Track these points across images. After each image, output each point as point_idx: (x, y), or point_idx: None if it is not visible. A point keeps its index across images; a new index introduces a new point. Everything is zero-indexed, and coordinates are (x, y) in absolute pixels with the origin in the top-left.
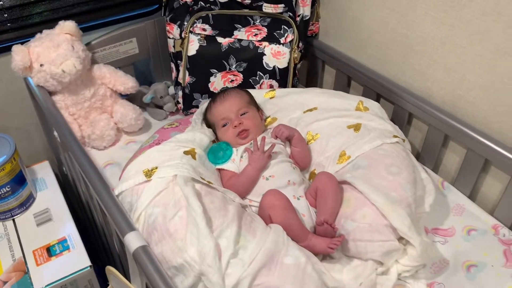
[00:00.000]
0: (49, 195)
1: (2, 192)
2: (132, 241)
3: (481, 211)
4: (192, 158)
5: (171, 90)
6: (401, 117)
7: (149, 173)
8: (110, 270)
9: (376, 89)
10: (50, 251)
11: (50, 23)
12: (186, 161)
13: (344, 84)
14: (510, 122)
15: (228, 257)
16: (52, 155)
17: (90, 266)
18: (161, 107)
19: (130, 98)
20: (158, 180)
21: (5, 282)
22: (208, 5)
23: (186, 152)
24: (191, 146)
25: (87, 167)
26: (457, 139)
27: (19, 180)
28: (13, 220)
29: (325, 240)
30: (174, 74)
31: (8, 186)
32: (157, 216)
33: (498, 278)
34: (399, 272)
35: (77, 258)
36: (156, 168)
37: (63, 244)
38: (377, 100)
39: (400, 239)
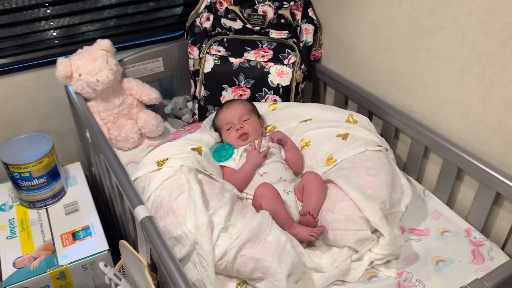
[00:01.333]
0: (78, 190)
1: (39, 182)
2: (141, 212)
3: (456, 216)
4: (198, 154)
5: (190, 104)
6: (389, 131)
7: (160, 163)
8: (123, 243)
9: (368, 106)
10: (75, 236)
11: (90, 41)
12: (193, 155)
13: (342, 103)
14: (478, 134)
15: (219, 231)
16: (83, 157)
17: (108, 250)
18: (179, 118)
19: (154, 109)
20: (167, 168)
21: (35, 258)
22: (224, 30)
23: (193, 149)
24: (198, 145)
25: (112, 160)
26: (435, 150)
27: (54, 174)
28: (46, 209)
29: (307, 229)
30: (192, 90)
31: (44, 178)
32: (164, 197)
33: (463, 272)
34: (372, 260)
35: (97, 243)
36: (167, 159)
37: (87, 231)
38: (369, 117)
39: (374, 232)
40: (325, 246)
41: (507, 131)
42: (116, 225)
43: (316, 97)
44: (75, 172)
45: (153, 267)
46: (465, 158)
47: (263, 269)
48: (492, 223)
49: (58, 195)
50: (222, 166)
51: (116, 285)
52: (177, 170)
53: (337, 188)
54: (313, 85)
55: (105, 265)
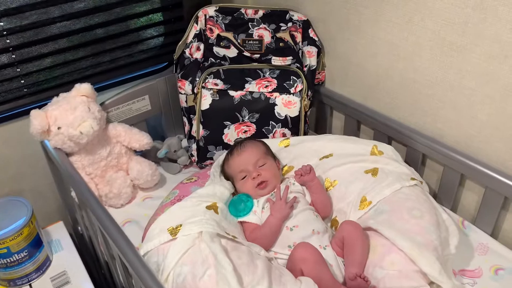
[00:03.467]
0: (65, 256)
1: (20, 257)
2: None
3: (505, 248)
4: (215, 212)
5: (184, 143)
6: (415, 158)
7: (174, 231)
8: None
9: (387, 132)
10: None
11: (66, 86)
12: (210, 216)
13: (354, 128)
14: None
15: None
16: (66, 215)
17: None
18: (175, 161)
19: (144, 153)
20: (183, 238)
21: None
22: (218, 60)
23: (208, 207)
24: (213, 201)
25: (109, 225)
26: (474, 178)
27: (36, 244)
28: (30, 285)
29: None
30: (187, 128)
31: (26, 251)
32: (186, 275)
33: None
34: None
35: None
36: (181, 225)
37: None
38: (389, 143)
39: (431, 283)
40: None
41: None
42: None
43: (321, 123)
44: (59, 234)
45: None
46: (511, 185)
47: None
48: None
49: (42, 267)
50: (241, 222)
51: None
52: (196, 238)
53: (381, 237)
54: (317, 110)
55: None
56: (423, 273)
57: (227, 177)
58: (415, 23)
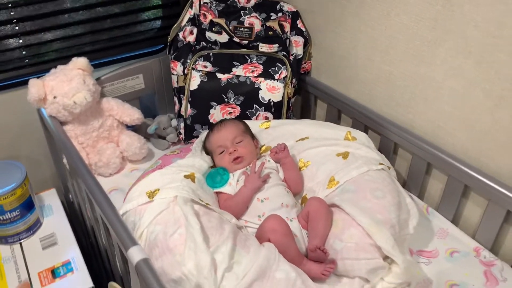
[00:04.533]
0: (55, 220)
1: (12, 216)
2: (135, 255)
3: (463, 234)
4: (192, 181)
5: (174, 122)
6: (387, 147)
7: (151, 194)
8: (113, 286)
9: (364, 121)
10: (54, 273)
11: (64, 60)
12: (186, 184)
13: (335, 117)
14: (486, 150)
15: (223, 270)
16: (59, 183)
17: (93, 287)
18: (164, 138)
19: (135, 129)
20: (160, 200)
21: None
22: (210, 45)
23: (186, 176)
24: (191, 171)
25: (95, 189)
26: (438, 166)
27: (28, 205)
28: (20, 243)
29: (319, 266)
30: (177, 107)
31: (18, 211)
32: (158, 233)
33: None
34: None
35: (80, 280)
36: (158, 189)
37: (67, 267)
38: (365, 131)
39: (385, 258)
40: (334, 276)
41: None
42: (100, 259)
43: (306, 111)
44: (51, 200)
45: None
46: (472, 175)
47: None
48: (502, 241)
49: (33, 228)
50: (217, 193)
51: None
52: (171, 202)
53: (344, 213)
54: (302, 99)
55: None
56: (378, 247)
57: (207, 152)
58: (392, 17)
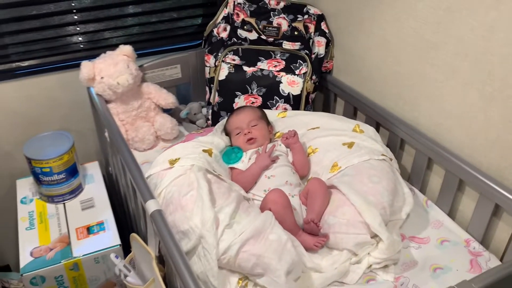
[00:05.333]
0: (94, 188)
1: (58, 178)
2: (151, 206)
3: (457, 226)
4: (209, 155)
5: (204, 110)
6: (395, 142)
7: (172, 162)
8: (134, 236)
9: (375, 118)
10: (89, 230)
11: (113, 47)
12: (203, 156)
13: (351, 113)
14: (479, 147)
15: (224, 227)
16: (101, 157)
17: (120, 245)
18: (194, 122)
19: (170, 113)
20: (178, 167)
21: (51, 249)
22: (240, 41)
23: (204, 150)
24: (209, 147)
25: (128, 158)
26: (438, 162)
27: (72, 171)
28: (64, 204)
29: (312, 238)
30: (207, 96)
31: (64, 174)
32: (174, 193)
33: (459, 280)
34: (370, 263)
35: (110, 238)
36: (179, 158)
37: (101, 226)
38: (377, 128)
39: (374, 237)
40: (326, 248)
41: (506, 145)
42: (129, 222)
43: (326, 108)
44: (93, 171)
45: (161, 260)
46: (466, 169)
47: (264, 265)
48: (492, 235)
49: (75, 191)
50: (231, 168)
51: (125, 276)
52: (188, 169)
53: (340, 193)
54: (324, 96)
55: (116, 257)
56: (367, 225)
57: (227, 133)
58: (402, 21)
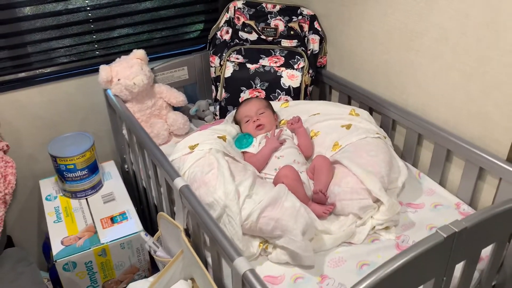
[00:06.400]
0: (113, 184)
1: (81, 174)
2: (179, 183)
3: (447, 193)
4: (223, 141)
5: (212, 108)
6: (387, 124)
7: (192, 147)
8: (161, 215)
9: (368, 103)
10: (113, 220)
11: (126, 52)
12: (219, 141)
13: (345, 102)
14: (462, 120)
15: (244, 197)
16: (117, 156)
17: (143, 230)
18: (202, 119)
19: (180, 111)
20: (198, 151)
21: (79, 238)
22: (242, 42)
23: (219, 137)
24: (223, 134)
25: (151, 144)
26: (427, 136)
27: (93, 168)
28: (86, 199)
29: (321, 207)
30: (213, 94)
31: (86, 170)
32: (197, 173)
33: None
34: (374, 225)
35: (133, 225)
36: (198, 144)
37: (123, 216)
38: (370, 112)
39: (376, 202)
40: (333, 215)
41: (485, 116)
42: (147, 214)
43: (323, 99)
44: (110, 169)
45: (187, 233)
46: (452, 140)
47: (282, 227)
48: (478, 197)
49: (96, 187)
50: (243, 152)
51: (155, 251)
52: (207, 153)
53: (343, 167)
54: (320, 89)
55: (146, 235)
56: (368, 191)
57: (236, 122)
58: (388, 15)
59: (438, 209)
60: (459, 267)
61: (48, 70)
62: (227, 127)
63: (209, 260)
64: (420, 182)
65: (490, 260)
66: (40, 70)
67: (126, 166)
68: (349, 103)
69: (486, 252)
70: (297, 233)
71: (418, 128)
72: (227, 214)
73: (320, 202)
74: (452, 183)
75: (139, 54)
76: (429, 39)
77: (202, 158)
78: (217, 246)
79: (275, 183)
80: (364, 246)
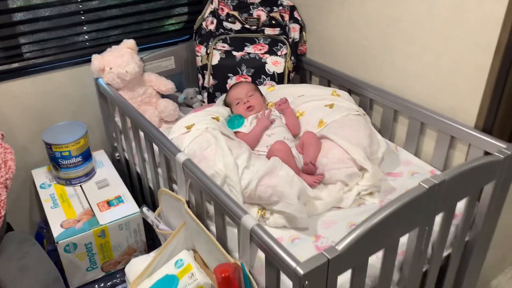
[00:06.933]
0: (106, 171)
1: (76, 161)
2: (181, 157)
3: (423, 162)
4: (217, 121)
5: (200, 96)
6: (365, 103)
7: (189, 127)
8: (163, 190)
9: (347, 86)
10: (109, 204)
11: (116, 43)
12: (213, 121)
13: (325, 86)
14: (434, 94)
15: (243, 168)
16: (108, 146)
17: (139, 212)
18: (191, 106)
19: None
20: (195, 130)
21: (78, 221)
22: (226, 31)
23: (213, 118)
24: (216, 115)
25: (148, 125)
26: (403, 112)
27: (87, 155)
28: (80, 185)
29: (311, 177)
30: (200, 82)
31: (80, 157)
32: (196, 149)
33: None
34: (359, 191)
35: (129, 207)
36: (194, 124)
37: (119, 199)
38: (349, 94)
39: (360, 170)
40: (322, 184)
41: (454, 89)
42: (141, 199)
43: None
44: (101, 158)
45: (188, 206)
46: (426, 113)
47: (278, 193)
48: (451, 164)
49: (90, 174)
50: (235, 132)
51: (157, 225)
52: (203, 131)
53: (329, 140)
54: (300, 76)
55: (147, 210)
56: (353, 160)
57: (227, 105)
58: (366, 3)
59: (415, 177)
60: (438, 222)
61: (41, 60)
62: (219, 109)
63: (212, 228)
64: (397, 155)
65: (464, 215)
66: (32, 61)
67: (117, 154)
68: (329, 86)
69: (460, 210)
70: (293, 197)
71: (394, 105)
72: (228, 184)
73: (310, 172)
74: (426, 153)
75: (129, 43)
76: (405, 24)
77: (199, 136)
78: (222, 208)
79: (269, 157)
80: (351, 210)
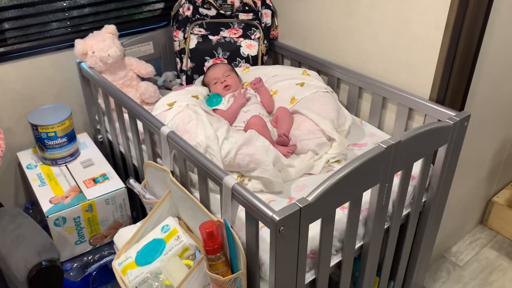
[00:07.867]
0: (90, 151)
1: (61, 142)
2: (165, 130)
3: (385, 134)
4: (197, 99)
5: (178, 80)
6: (333, 82)
7: (171, 104)
8: (148, 163)
9: (316, 66)
10: (95, 181)
11: (96, 29)
12: (193, 99)
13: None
14: (394, 71)
15: (222, 139)
16: (90, 128)
17: (125, 187)
18: (170, 89)
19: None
20: (176, 107)
21: (66, 197)
22: (202, 17)
23: (192, 96)
24: (196, 93)
25: (132, 103)
26: (366, 88)
27: (71, 136)
28: (66, 165)
29: (285, 148)
30: (179, 66)
31: (65, 138)
32: (178, 123)
33: None
34: (328, 159)
35: (115, 184)
36: (175, 101)
37: (104, 177)
38: (318, 74)
39: (329, 140)
40: (295, 154)
41: (412, 65)
42: (125, 177)
43: None
44: (84, 140)
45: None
46: (387, 89)
47: (256, 160)
48: None
49: (74, 154)
50: (214, 110)
51: (144, 196)
52: (185, 108)
53: (300, 114)
54: (272, 59)
55: (134, 181)
56: (322, 131)
57: (205, 85)
58: None
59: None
60: (397, 184)
61: (24, 45)
62: (198, 88)
63: (196, 195)
64: (362, 128)
65: (420, 175)
66: (16, 46)
67: (99, 136)
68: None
69: (417, 172)
70: (268, 163)
71: (358, 82)
72: (209, 153)
73: (284, 144)
74: (388, 126)
75: (110, 29)
76: (365, 6)
77: (181, 112)
78: (206, 172)
79: (246, 130)
80: (321, 176)
